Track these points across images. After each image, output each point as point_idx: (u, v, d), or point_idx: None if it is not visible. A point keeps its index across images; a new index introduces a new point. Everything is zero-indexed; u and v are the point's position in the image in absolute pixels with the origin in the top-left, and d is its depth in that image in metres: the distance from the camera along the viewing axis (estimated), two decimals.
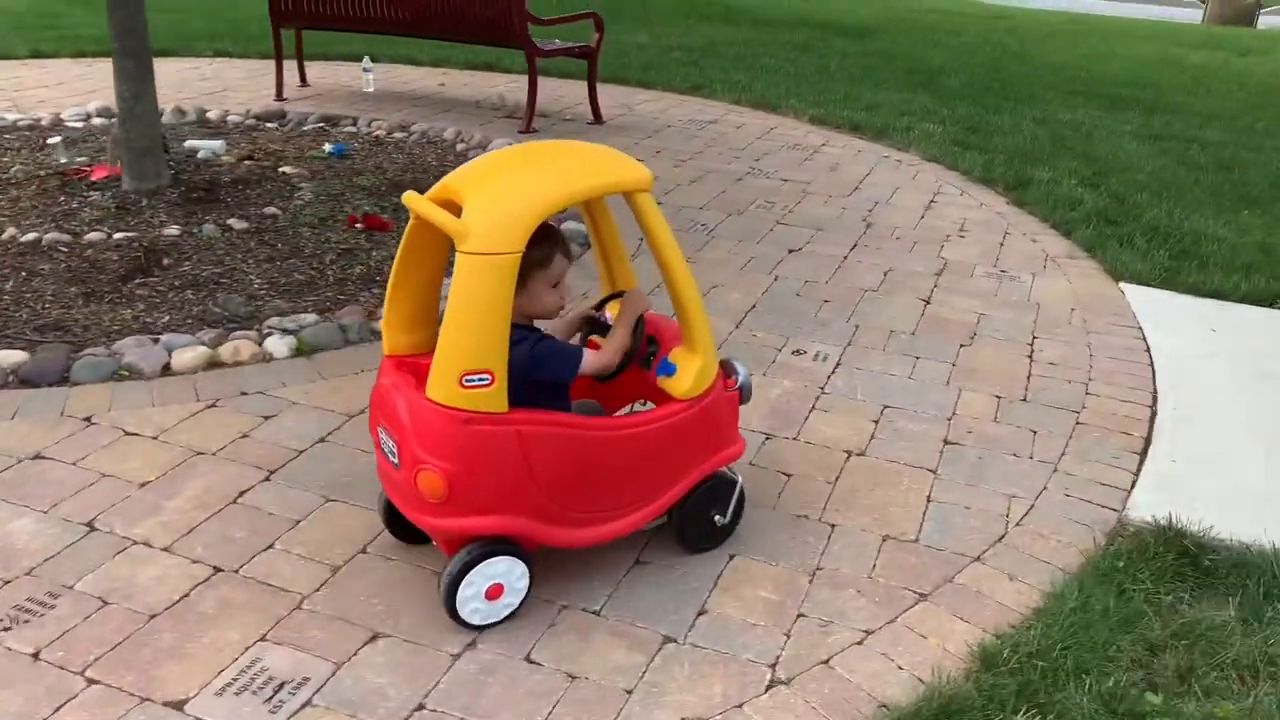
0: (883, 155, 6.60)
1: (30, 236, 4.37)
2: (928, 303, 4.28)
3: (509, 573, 2.32)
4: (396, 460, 2.30)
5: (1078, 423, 3.38)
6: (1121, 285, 4.57)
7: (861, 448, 3.16)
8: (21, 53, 8.24)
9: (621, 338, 2.50)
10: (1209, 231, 5.24)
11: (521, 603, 2.37)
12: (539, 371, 2.36)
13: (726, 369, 2.64)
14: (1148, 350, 3.93)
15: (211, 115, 6.68)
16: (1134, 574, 2.58)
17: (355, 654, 2.25)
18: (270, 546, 2.57)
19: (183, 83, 7.66)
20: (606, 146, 2.50)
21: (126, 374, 3.33)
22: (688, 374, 2.46)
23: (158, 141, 5.00)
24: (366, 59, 7.76)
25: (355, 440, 3.05)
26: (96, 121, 6.42)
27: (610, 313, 2.64)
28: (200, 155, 5.66)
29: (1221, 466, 3.16)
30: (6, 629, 2.26)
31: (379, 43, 8.32)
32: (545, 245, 2.36)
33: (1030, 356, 3.84)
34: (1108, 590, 2.52)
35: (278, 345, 3.53)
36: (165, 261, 4.19)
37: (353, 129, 6.56)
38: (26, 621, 2.29)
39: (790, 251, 4.78)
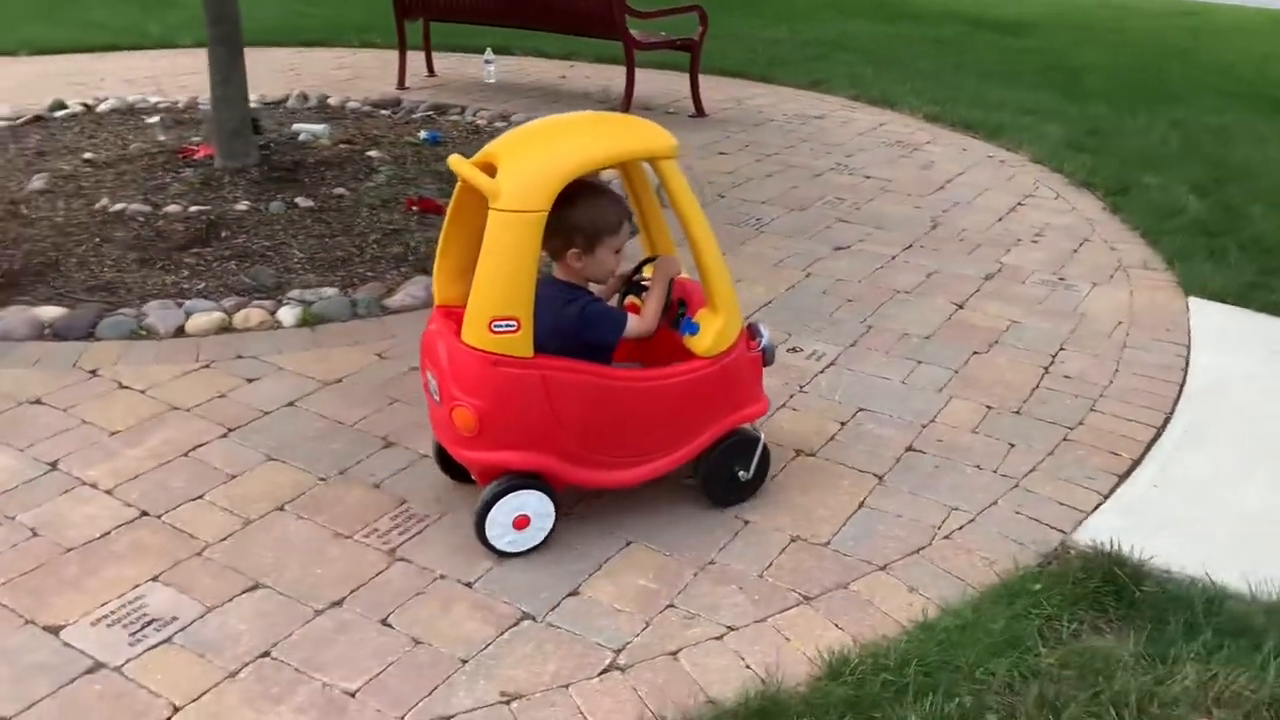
0: (987, 155, 6.31)
1: (118, 206, 4.77)
2: (960, 307, 4.09)
3: (535, 506, 2.52)
4: (439, 397, 2.53)
5: (1065, 439, 3.17)
6: (1190, 299, 4.23)
7: (814, 448, 3.07)
8: (186, 42, 8.92)
9: (656, 302, 2.65)
10: None
11: (550, 534, 2.57)
12: (587, 332, 2.55)
13: (751, 331, 2.76)
14: (1184, 369, 3.64)
15: (332, 101, 7.07)
16: (1044, 598, 2.42)
17: (230, 600, 2.38)
18: (199, 497, 2.75)
19: (322, 71, 8.13)
20: (639, 118, 2.66)
21: (144, 333, 3.61)
22: (708, 333, 2.61)
23: (247, 123, 5.35)
24: (489, 50, 8.01)
25: (319, 406, 3.20)
26: None
27: (648, 275, 2.79)
28: (301, 137, 6.01)
29: (1207, 496, 2.90)
30: None
31: (511, 35, 8.56)
32: (614, 210, 2.57)
33: (1047, 368, 3.62)
34: (1004, 611, 2.37)
35: (286, 315, 3.73)
36: (224, 234, 4.49)
37: (458, 117, 6.80)
38: None
39: (836, 249, 4.66)
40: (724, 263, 2.61)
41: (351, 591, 2.42)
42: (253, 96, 6.88)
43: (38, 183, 5.08)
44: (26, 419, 3.10)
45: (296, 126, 6.20)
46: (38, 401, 3.19)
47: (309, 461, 2.90)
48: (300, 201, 4.91)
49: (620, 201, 2.64)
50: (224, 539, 2.59)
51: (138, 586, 2.41)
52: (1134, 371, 3.61)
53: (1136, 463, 3.06)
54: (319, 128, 6.16)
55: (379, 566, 2.50)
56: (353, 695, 2.12)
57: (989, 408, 3.34)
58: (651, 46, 6.92)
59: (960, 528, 2.73)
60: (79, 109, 6.61)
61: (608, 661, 2.23)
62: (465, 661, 2.22)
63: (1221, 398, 3.45)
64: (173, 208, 4.77)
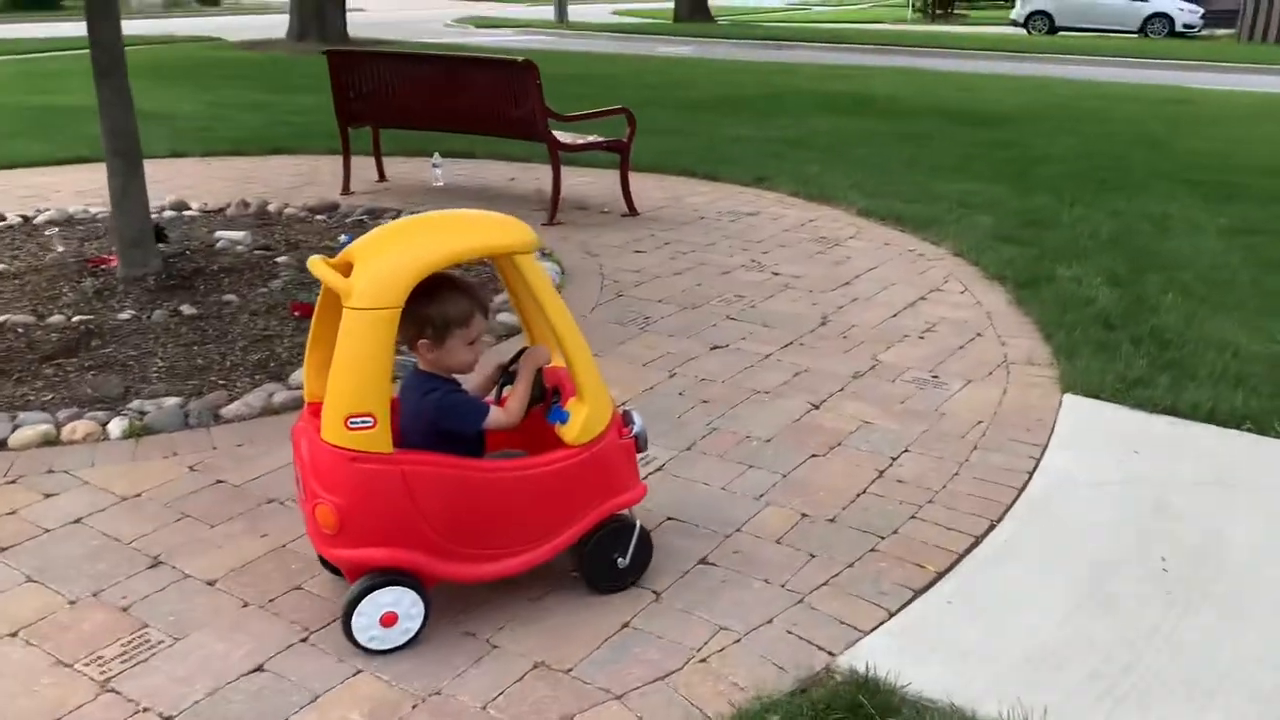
0: (908, 249, 6.22)
1: (3, 318, 4.81)
2: (816, 407, 3.96)
3: (399, 602, 2.50)
4: (304, 494, 2.56)
5: (873, 549, 3.01)
6: (1065, 396, 4.07)
7: None
8: (162, 153, 9.07)
9: (521, 392, 2.70)
10: (1226, 339, 4.60)
11: (420, 630, 2.56)
12: (444, 421, 2.60)
13: (624, 418, 2.81)
14: (1030, 472, 3.47)
15: (271, 207, 7.16)
16: None
17: None
18: None
19: (275, 178, 8.28)
20: (500, 214, 2.66)
21: None
22: (576, 421, 2.64)
23: (147, 232, 5.41)
24: (436, 155, 8.11)
25: (104, 524, 3.13)
26: (166, 214, 7.02)
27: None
28: (220, 245, 6.08)
29: (1000, 617, 2.71)
30: None
31: (476, 139, 8.64)
32: (466, 304, 2.61)
33: (883, 471, 3.47)
34: None
35: (115, 427, 3.69)
36: (94, 343, 4.50)
37: (389, 221, 6.84)
38: None
39: (713, 348, 4.56)
40: (588, 352, 2.65)
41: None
42: (195, 205, 7.05)
43: None
44: None
45: (218, 234, 6.27)
46: None
47: (65, 583, 2.82)
48: (185, 309, 4.92)
49: (474, 295, 2.65)
50: None
51: None
52: (974, 475, 3.45)
53: (940, 576, 2.89)
54: (239, 234, 6.22)
55: (84, 698, 2.40)
56: None
57: (804, 515, 3.19)
58: (577, 149, 6.96)
59: (721, 650, 2.57)
60: (16, 220, 6.75)
61: None
62: None
63: (1058, 505, 3.27)
64: (57, 318, 4.80)
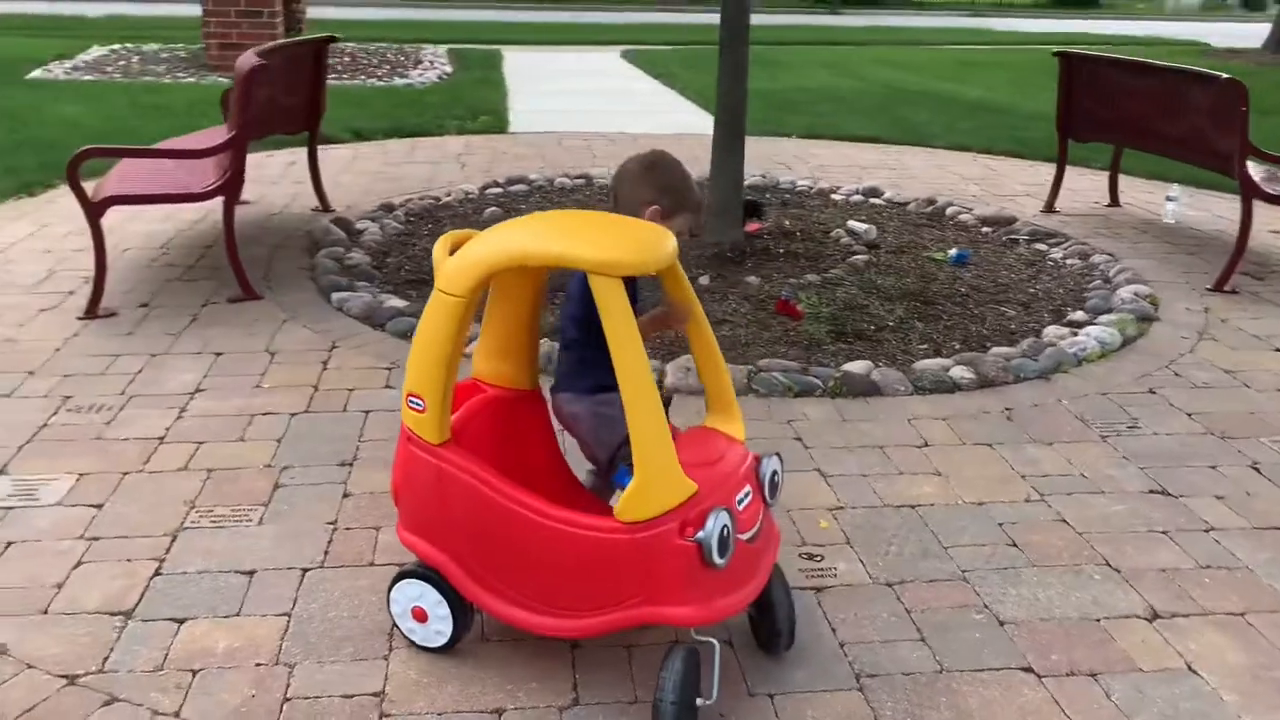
0: None
1: None
2: None
3: (423, 598, 2.45)
4: None
5: None
6: None
7: None
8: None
9: (644, 323, 2.43)
10: None
11: (454, 640, 2.48)
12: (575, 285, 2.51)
13: (693, 517, 2.18)
14: None
15: (950, 209, 6.89)
16: None
17: None
18: None
19: (980, 175, 7.94)
20: (646, 229, 2.38)
21: None
22: (627, 493, 2.19)
23: (733, 204, 5.71)
24: (1175, 186, 6.89)
25: None
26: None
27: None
28: (833, 233, 6.12)
29: None
30: None
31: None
32: (697, 200, 2.64)
33: None
34: None
35: None
36: None
37: (1047, 248, 6.09)
38: None
39: None
40: (656, 415, 2.15)
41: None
42: (887, 194, 7.12)
43: None
44: None
45: (853, 224, 6.30)
46: None
47: None
48: (702, 280, 5.18)
49: (694, 203, 2.63)
50: None
51: None
52: None
53: None
54: (862, 226, 6.18)
55: None
56: None
57: None
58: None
59: None
60: None
61: None
62: None
63: None
64: None
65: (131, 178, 4.83)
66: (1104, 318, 4.84)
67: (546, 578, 2.31)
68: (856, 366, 4.22)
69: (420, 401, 2.33)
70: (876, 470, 3.47)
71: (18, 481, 3.24)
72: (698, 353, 2.50)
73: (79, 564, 2.84)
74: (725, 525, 2.18)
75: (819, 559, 2.97)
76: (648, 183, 2.61)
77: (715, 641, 2.28)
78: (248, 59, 4.67)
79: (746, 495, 2.33)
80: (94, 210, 4.49)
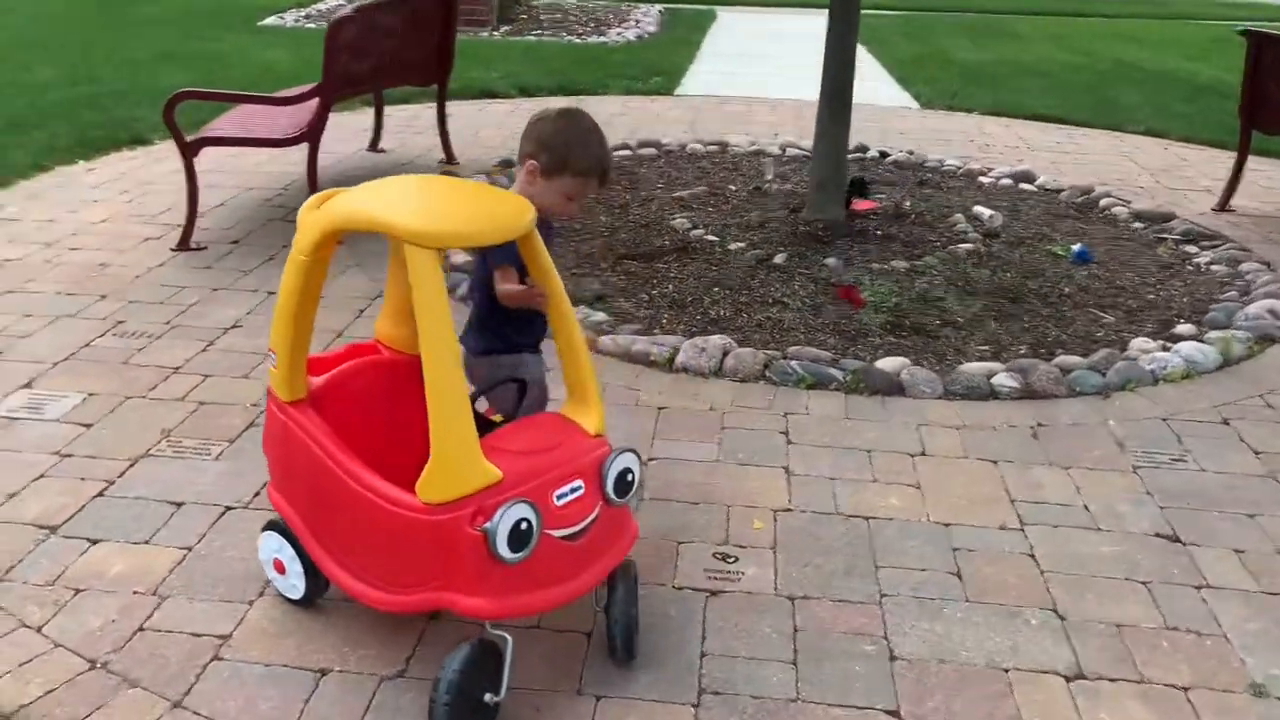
0: None
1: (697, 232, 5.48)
2: None
3: (281, 550, 2.48)
4: None
5: None
6: None
7: None
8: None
9: (519, 291, 2.48)
10: None
11: (309, 595, 2.50)
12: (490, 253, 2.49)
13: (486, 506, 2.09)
14: None
15: (1105, 202, 6.27)
16: None
17: None
18: None
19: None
20: (501, 199, 2.38)
21: None
22: (426, 473, 2.11)
23: (834, 180, 5.40)
24: None
25: None
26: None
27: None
28: (952, 217, 5.70)
29: None
30: None
31: None
32: (592, 162, 2.51)
33: None
34: None
35: None
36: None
37: (1196, 250, 5.45)
38: None
39: None
40: (457, 392, 2.09)
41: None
42: (1039, 180, 6.57)
43: None
44: None
45: (975, 209, 5.86)
46: None
47: None
48: (778, 259, 4.95)
49: (606, 162, 2.53)
50: None
51: None
52: None
53: None
54: (987, 211, 5.73)
55: None
56: None
57: None
58: None
59: None
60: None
61: None
62: None
63: None
64: (736, 245, 5.08)
65: (229, 122, 5.13)
66: (1213, 334, 4.27)
67: (364, 548, 2.29)
68: (888, 363, 3.92)
69: (274, 355, 2.36)
70: (849, 475, 3.23)
71: (34, 395, 3.54)
72: (557, 336, 2.40)
73: (40, 477, 3.07)
74: (524, 519, 2.08)
75: (732, 560, 2.80)
76: (532, 136, 2.52)
77: (508, 636, 2.20)
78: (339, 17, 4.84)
79: (574, 490, 2.21)
80: (188, 150, 4.80)
